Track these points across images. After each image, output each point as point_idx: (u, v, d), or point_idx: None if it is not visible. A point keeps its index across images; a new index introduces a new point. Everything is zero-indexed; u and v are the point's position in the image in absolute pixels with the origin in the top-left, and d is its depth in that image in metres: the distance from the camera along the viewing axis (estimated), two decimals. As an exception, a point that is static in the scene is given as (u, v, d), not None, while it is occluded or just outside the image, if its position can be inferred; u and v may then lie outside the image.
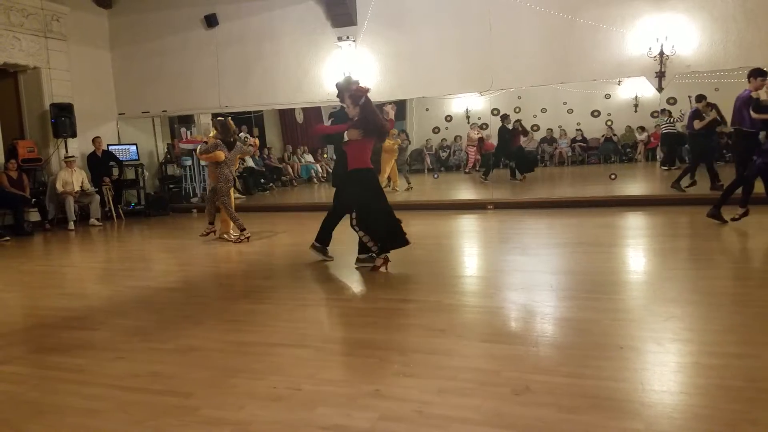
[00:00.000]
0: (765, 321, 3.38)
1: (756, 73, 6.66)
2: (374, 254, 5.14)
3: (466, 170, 16.48)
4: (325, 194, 12.91)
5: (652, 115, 15.09)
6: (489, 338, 3.30)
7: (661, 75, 9.11)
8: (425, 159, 18.88)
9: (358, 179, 5.08)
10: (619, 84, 16.69)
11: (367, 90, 5.14)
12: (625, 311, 3.69)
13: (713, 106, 9.45)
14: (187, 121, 13.22)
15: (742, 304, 3.71)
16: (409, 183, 12.48)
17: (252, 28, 11.17)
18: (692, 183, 9.44)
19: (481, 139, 15.74)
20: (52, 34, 10.54)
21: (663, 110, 14.59)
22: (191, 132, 12.78)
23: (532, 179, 13.28)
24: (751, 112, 6.51)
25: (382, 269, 5.05)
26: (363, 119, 5.06)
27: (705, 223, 6.70)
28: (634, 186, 11.41)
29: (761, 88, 6.53)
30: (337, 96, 5.59)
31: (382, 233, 5.03)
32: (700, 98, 9.35)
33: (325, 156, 18.02)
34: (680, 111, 13.89)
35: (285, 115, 16.80)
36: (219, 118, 7.69)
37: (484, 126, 16.25)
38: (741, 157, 6.80)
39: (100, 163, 10.86)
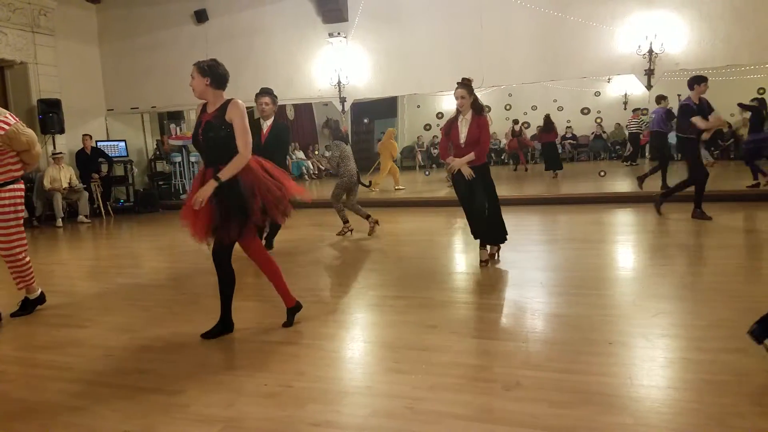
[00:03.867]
0: (752, 316, 3.39)
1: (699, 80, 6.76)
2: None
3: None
4: (316, 191, 12.89)
5: (633, 112, 15.26)
6: (480, 334, 3.32)
7: (650, 73, 9.19)
8: (416, 156, 18.90)
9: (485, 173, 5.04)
10: (608, 81, 16.80)
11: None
12: (614, 307, 3.72)
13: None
14: (176, 117, 13.14)
15: (730, 300, 3.75)
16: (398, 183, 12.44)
17: (242, 23, 11.12)
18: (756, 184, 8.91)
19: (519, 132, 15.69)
20: (39, 29, 10.43)
21: (635, 109, 14.75)
22: (181, 128, 12.71)
23: (522, 176, 13.33)
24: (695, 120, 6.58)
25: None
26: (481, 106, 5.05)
27: (692, 219, 6.77)
28: (624, 183, 11.48)
29: (704, 93, 6.63)
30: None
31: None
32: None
33: (317, 153, 17.99)
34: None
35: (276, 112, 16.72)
36: None
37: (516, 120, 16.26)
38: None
39: (88, 159, 10.77)
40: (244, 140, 3.30)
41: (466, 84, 4.96)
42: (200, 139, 3.36)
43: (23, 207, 4.02)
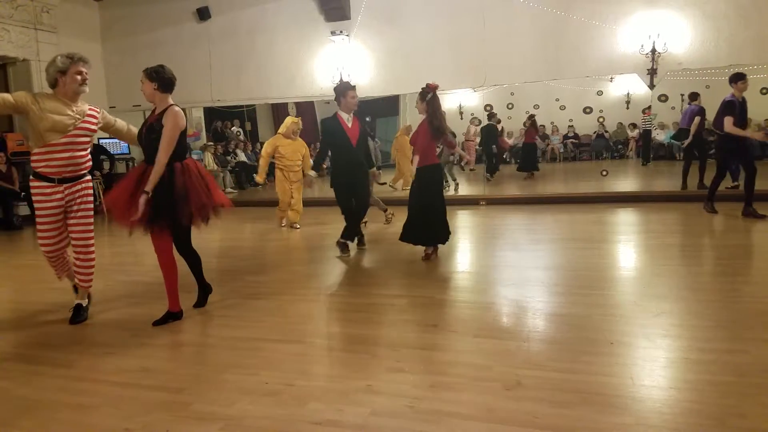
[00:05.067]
0: (754, 317, 3.41)
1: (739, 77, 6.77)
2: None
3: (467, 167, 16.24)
4: (317, 189, 12.87)
5: (643, 111, 15.21)
6: (481, 333, 3.32)
7: (652, 72, 9.15)
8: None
9: (430, 175, 5.24)
10: (611, 81, 16.73)
11: (436, 87, 5.20)
12: (616, 307, 3.71)
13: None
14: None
15: (732, 300, 3.74)
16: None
17: (245, 21, 11.11)
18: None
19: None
20: (41, 26, 10.42)
21: (646, 108, 14.69)
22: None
23: (518, 176, 13.31)
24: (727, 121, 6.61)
25: (433, 257, 5.36)
26: (432, 114, 5.17)
27: (695, 219, 6.76)
28: (626, 182, 11.47)
29: (744, 90, 6.64)
30: (336, 100, 5.72)
31: (430, 227, 5.26)
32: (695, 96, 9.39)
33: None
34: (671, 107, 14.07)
35: (278, 110, 16.73)
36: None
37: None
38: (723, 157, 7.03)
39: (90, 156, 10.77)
40: (166, 148, 3.50)
41: (420, 92, 5.25)
42: (143, 138, 3.64)
43: None
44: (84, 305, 3.99)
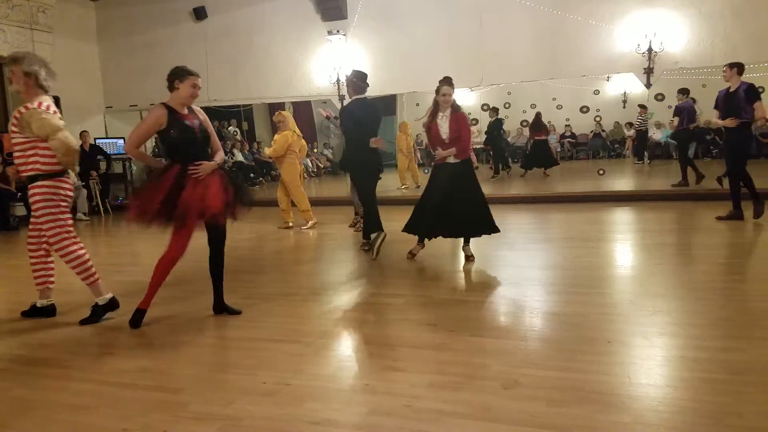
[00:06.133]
0: (750, 315, 3.43)
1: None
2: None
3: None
4: (315, 189, 12.88)
5: (640, 113, 15.28)
6: (478, 333, 3.32)
7: (649, 71, 9.19)
8: (416, 154, 18.85)
9: (469, 167, 5.18)
10: (608, 80, 16.79)
11: None
12: (613, 306, 3.72)
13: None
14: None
15: (728, 299, 3.76)
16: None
17: (241, 21, 11.11)
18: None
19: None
20: (37, 26, 10.39)
21: (642, 106, 14.66)
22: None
23: (516, 175, 13.33)
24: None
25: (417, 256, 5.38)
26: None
27: (691, 218, 6.77)
28: (622, 181, 11.49)
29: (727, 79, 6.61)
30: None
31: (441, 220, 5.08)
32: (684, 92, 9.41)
33: (315, 151, 17.96)
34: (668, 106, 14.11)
35: (274, 110, 16.69)
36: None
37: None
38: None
39: (87, 156, 10.74)
40: (216, 139, 3.91)
41: (451, 82, 5.08)
42: (199, 138, 3.75)
43: (60, 203, 3.84)
44: (101, 304, 3.94)
